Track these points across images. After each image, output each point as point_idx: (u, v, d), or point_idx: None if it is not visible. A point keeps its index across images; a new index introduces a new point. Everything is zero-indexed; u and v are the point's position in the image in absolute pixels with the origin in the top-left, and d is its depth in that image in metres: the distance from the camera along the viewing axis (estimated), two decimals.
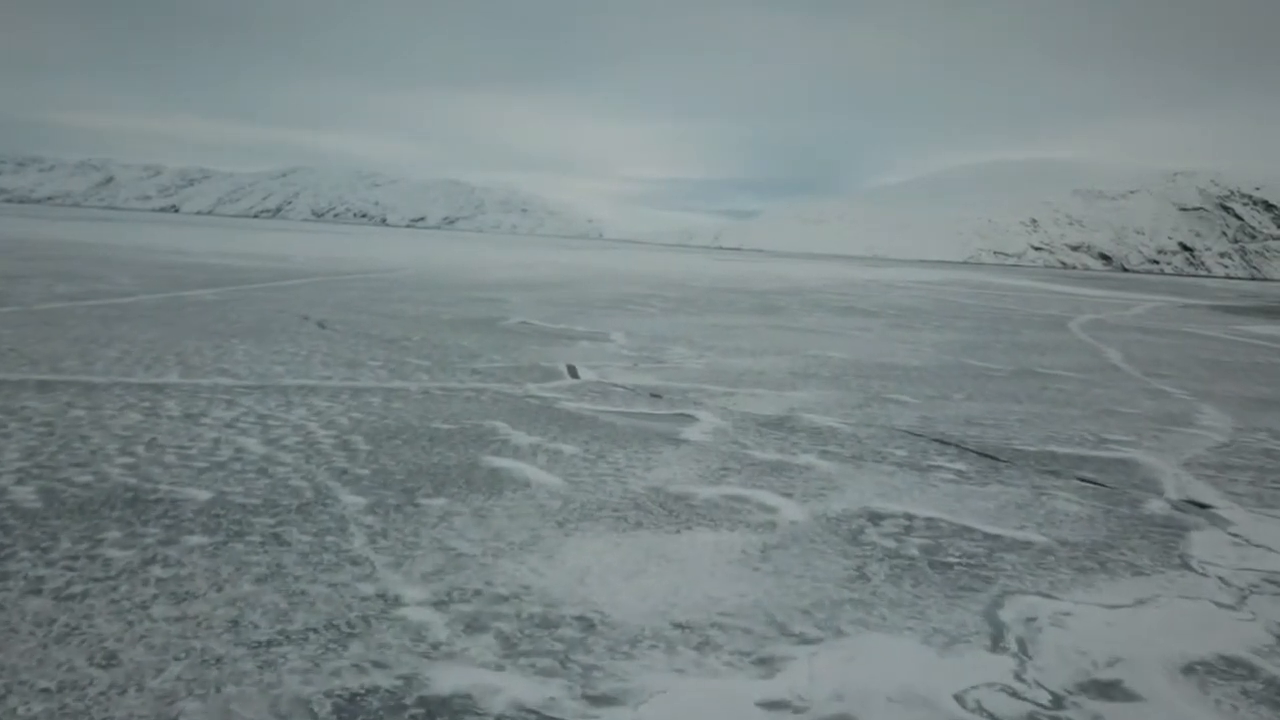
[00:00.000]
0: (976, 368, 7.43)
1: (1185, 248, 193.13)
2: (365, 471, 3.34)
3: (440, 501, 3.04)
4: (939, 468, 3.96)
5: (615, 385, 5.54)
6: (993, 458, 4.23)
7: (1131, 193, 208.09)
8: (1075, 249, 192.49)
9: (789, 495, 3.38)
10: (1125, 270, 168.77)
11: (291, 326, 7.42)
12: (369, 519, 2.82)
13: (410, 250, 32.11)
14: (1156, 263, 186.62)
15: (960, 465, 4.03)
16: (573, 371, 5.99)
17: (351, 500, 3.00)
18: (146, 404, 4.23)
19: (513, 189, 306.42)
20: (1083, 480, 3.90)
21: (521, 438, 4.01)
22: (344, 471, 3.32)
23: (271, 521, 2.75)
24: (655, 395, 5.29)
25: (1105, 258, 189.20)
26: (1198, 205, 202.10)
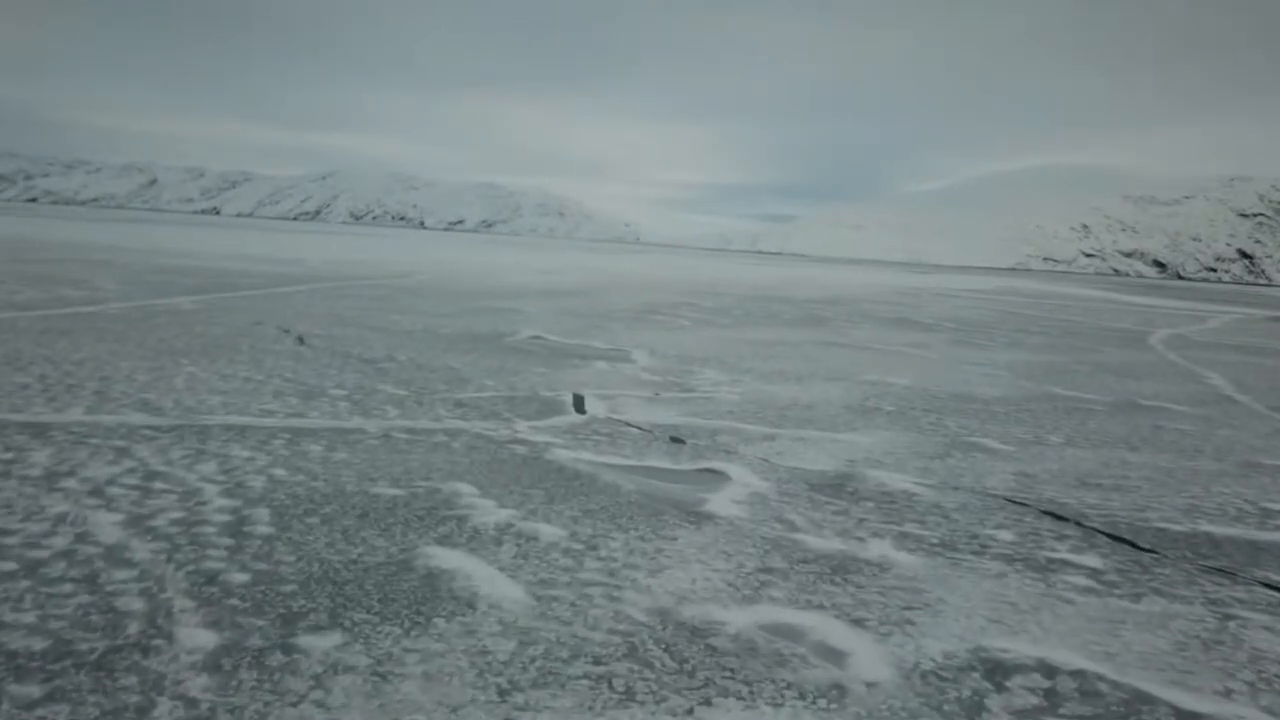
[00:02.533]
0: (1067, 399, 6.23)
1: (1245, 255, 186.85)
2: (243, 578, 2.31)
3: (329, 642, 2.00)
4: (1064, 564, 2.83)
5: (628, 424, 4.47)
6: (1131, 544, 3.08)
7: (1186, 198, 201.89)
8: (1128, 256, 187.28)
9: (860, 624, 2.28)
10: (1181, 278, 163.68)
11: (262, 343, 6.46)
12: (198, 684, 1.78)
13: (436, 253, 31.38)
14: (1214, 270, 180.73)
15: (1092, 559, 2.90)
16: (579, 404, 4.94)
17: (193, 641, 1.96)
18: (9, 455, 3.26)
19: (549, 192, 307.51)
20: (1274, 589, 2.74)
21: (488, 512, 2.96)
22: (212, 579, 2.29)
23: (38, 692, 1.72)
24: (676, 439, 4.21)
25: (1160, 265, 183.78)
26: (1258, 211, 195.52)
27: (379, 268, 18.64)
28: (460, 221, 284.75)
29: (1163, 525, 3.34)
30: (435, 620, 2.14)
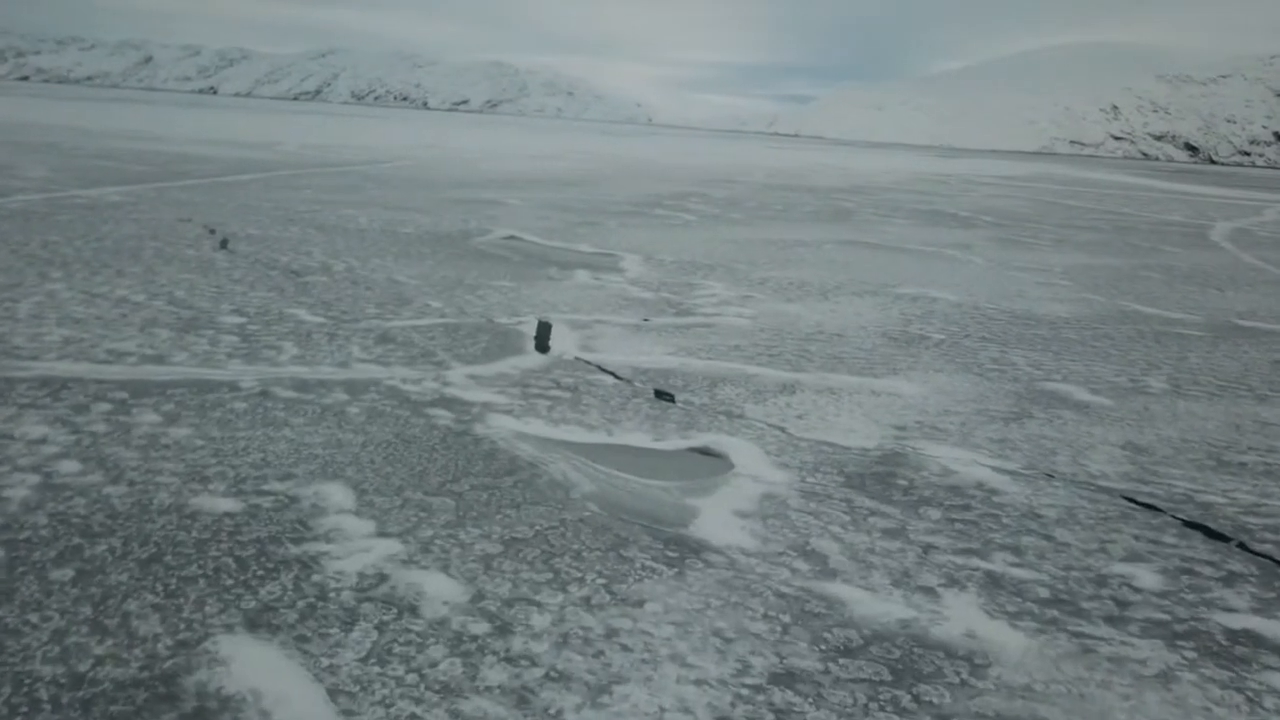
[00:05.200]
0: (1151, 319, 5.09)
1: None
2: None
3: None
4: (1257, 643, 1.79)
5: (602, 369, 3.39)
6: None
7: (1223, 77, 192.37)
8: (1159, 139, 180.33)
9: None
10: (1213, 162, 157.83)
11: (173, 248, 5.34)
12: None
13: (431, 136, 29.57)
14: (1248, 154, 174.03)
15: None
16: (542, 338, 3.84)
17: None
18: None
19: (558, 72, 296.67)
20: None
21: (355, 547, 1.92)
22: None
23: None
24: (663, 394, 3.14)
25: (1192, 149, 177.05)
26: None
27: (363, 152, 17.20)
28: (465, 102, 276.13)
29: None
30: None
